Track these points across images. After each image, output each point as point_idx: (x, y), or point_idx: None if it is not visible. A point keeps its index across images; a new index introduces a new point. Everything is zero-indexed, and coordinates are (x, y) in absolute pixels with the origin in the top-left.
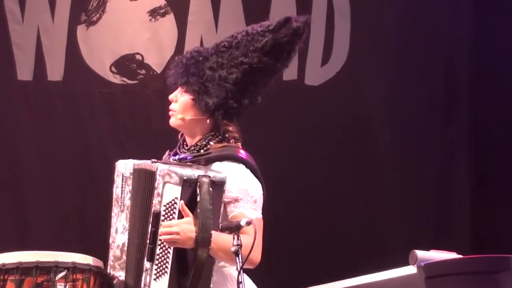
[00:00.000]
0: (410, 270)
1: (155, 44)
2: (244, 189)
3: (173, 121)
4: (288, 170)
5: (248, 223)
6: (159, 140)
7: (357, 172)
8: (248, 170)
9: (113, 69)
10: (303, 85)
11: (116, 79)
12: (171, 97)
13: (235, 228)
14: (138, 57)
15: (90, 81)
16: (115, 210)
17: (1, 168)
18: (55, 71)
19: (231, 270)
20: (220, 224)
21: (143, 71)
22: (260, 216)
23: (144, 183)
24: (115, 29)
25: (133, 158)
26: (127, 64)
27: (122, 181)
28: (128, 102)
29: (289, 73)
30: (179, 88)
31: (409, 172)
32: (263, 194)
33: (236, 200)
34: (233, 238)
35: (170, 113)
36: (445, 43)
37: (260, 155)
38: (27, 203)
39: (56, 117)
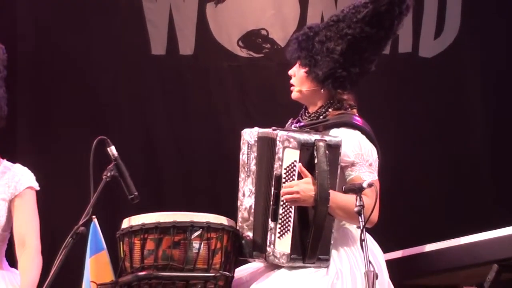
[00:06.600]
0: None
1: (279, 20)
2: (359, 154)
3: (293, 95)
4: (403, 140)
5: (370, 185)
6: (283, 110)
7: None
8: (364, 136)
9: (240, 43)
10: (417, 57)
11: (243, 53)
12: (290, 72)
13: (357, 190)
14: (263, 32)
15: (219, 55)
16: (242, 175)
17: (137, 137)
18: (186, 45)
19: (351, 228)
20: (344, 186)
21: (268, 45)
22: (376, 178)
23: (267, 150)
24: (242, 6)
25: (258, 127)
26: (253, 38)
27: (248, 148)
28: (254, 75)
29: (404, 45)
30: (297, 64)
31: None
32: (378, 157)
33: (353, 164)
34: (356, 199)
35: (291, 88)
36: None
37: (375, 124)
38: (162, 170)
39: (188, 89)
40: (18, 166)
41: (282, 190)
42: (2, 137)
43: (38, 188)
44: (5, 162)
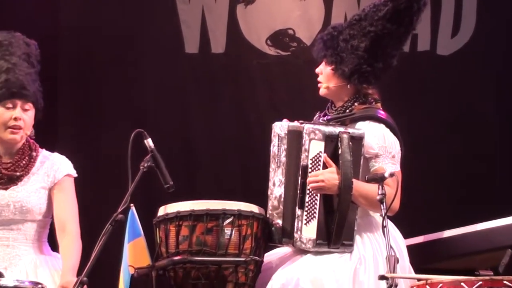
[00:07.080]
0: None
1: (305, 20)
2: (383, 146)
3: (321, 91)
4: (421, 135)
5: (391, 175)
6: (309, 104)
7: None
8: (388, 129)
9: (269, 42)
10: (435, 55)
11: (271, 51)
12: (317, 71)
13: (380, 179)
14: (290, 31)
15: (248, 53)
16: (272, 166)
17: (172, 130)
18: (218, 44)
19: (376, 216)
20: (367, 176)
21: (295, 44)
22: (398, 169)
23: (295, 142)
24: (270, 7)
25: (287, 120)
26: (280, 38)
27: (278, 141)
28: (282, 71)
29: (423, 44)
30: (323, 62)
31: None
32: (401, 149)
33: (377, 156)
34: (378, 188)
35: (318, 85)
36: None
37: (397, 120)
38: (195, 159)
39: (219, 84)
40: (56, 155)
41: (308, 179)
42: (42, 128)
43: (76, 175)
44: (44, 152)
